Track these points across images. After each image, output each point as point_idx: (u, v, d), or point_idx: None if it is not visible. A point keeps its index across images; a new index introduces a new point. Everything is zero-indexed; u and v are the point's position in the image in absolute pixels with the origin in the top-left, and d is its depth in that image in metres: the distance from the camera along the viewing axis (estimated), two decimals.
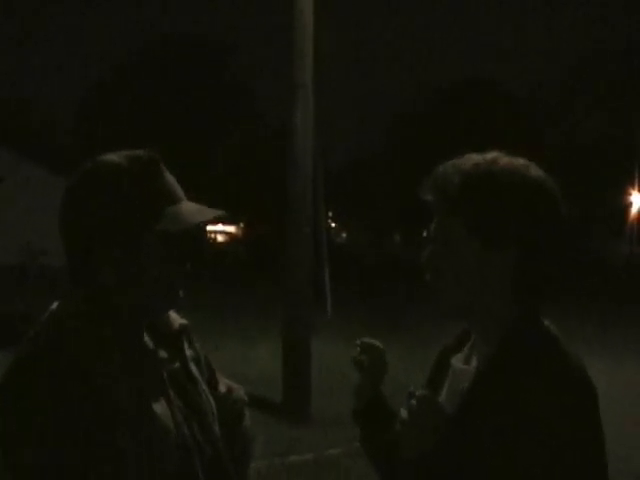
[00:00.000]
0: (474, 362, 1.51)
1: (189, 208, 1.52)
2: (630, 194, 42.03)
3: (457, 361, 1.57)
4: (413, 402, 1.41)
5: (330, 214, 45.43)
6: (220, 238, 57.85)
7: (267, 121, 45.43)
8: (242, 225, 55.77)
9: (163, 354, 1.59)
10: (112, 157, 1.50)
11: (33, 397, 1.34)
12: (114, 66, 45.17)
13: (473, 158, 1.46)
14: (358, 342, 1.83)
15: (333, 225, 62.17)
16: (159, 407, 1.50)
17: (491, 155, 1.46)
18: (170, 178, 1.53)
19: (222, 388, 1.75)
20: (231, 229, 58.59)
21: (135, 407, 1.43)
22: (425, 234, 1.51)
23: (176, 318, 1.67)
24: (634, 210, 42.30)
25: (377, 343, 1.84)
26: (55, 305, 1.51)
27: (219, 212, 1.53)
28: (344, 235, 69.12)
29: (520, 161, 1.45)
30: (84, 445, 1.33)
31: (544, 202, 1.41)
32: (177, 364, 1.61)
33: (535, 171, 1.44)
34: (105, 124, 41.13)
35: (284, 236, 7.99)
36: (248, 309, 15.66)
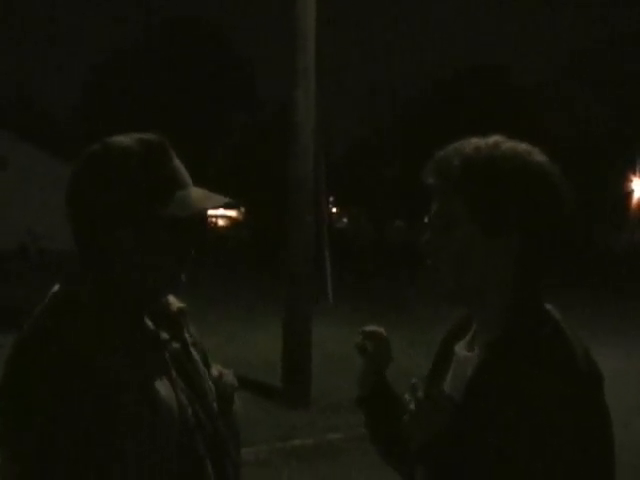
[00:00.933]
0: (477, 349, 1.50)
1: (197, 194, 1.52)
2: (631, 181, 41.98)
3: (460, 348, 1.56)
4: (421, 395, 1.39)
5: (331, 199, 45.39)
6: (221, 222, 57.85)
7: (269, 105, 45.31)
8: (243, 209, 55.74)
9: (164, 335, 1.60)
10: (121, 139, 1.49)
11: (32, 396, 1.33)
12: (114, 51, 45.00)
13: (475, 142, 1.44)
14: (360, 330, 1.81)
15: (334, 210, 62.12)
16: (162, 388, 1.51)
17: (493, 139, 1.44)
18: (178, 163, 1.53)
19: (214, 372, 1.75)
20: (232, 213, 58.57)
21: (137, 394, 1.43)
22: (426, 219, 1.50)
23: (174, 301, 1.67)
24: (635, 198, 42.26)
25: (380, 330, 1.82)
26: (56, 288, 1.50)
27: (227, 199, 1.54)
28: (345, 220, 69.04)
29: (523, 146, 1.44)
30: (83, 444, 1.33)
31: (546, 188, 1.40)
32: (178, 345, 1.62)
33: (538, 156, 1.43)
34: (105, 109, 41.02)
35: (285, 221, 7.98)
36: (250, 293, 15.67)
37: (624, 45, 40.63)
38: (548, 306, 1.46)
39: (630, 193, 42.44)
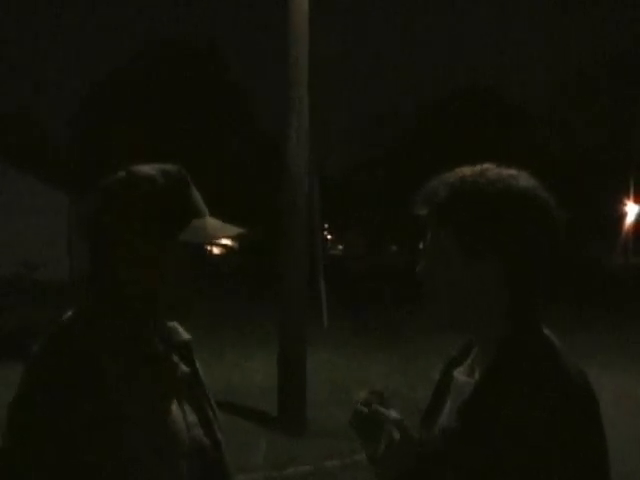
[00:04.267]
0: (477, 374, 1.50)
1: (213, 223, 1.60)
2: (625, 204, 42.13)
3: (460, 373, 1.56)
4: (396, 437, 1.41)
5: (326, 226, 45.46)
6: (216, 250, 57.76)
7: (262, 129, 45.48)
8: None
9: (175, 359, 1.66)
10: (144, 168, 1.59)
11: (41, 408, 1.40)
12: (109, 73, 45.17)
13: (461, 171, 1.47)
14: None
15: (329, 237, 62.20)
16: (172, 409, 1.57)
17: (480, 167, 1.46)
18: (196, 193, 1.62)
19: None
20: (227, 241, 58.48)
21: (145, 411, 1.49)
22: (421, 246, 1.52)
23: (183, 332, 1.75)
24: (629, 220, 42.40)
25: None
26: (69, 313, 1.57)
27: (239, 229, 1.63)
28: (340, 247, 69.12)
29: (509, 172, 1.45)
30: (86, 453, 1.38)
31: (532, 212, 1.41)
32: (187, 370, 1.68)
33: (524, 181, 1.44)
34: (99, 135, 41.12)
35: (280, 248, 8.00)
36: (244, 320, 15.65)
37: (617, 65, 40.94)
38: (546, 331, 1.46)
39: (623, 216, 42.57)
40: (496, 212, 1.39)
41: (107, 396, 1.42)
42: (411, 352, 11.54)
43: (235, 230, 1.63)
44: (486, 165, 1.47)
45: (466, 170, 1.47)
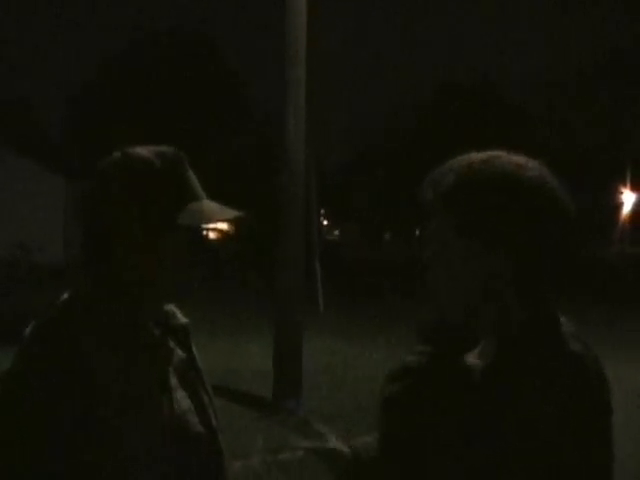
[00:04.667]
0: (482, 362, 1.45)
1: (210, 206, 1.57)
2: (622, 193, 42.13)
3: (473, 358, 1.50)
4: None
5: (322, 211, 45.45)
6: (212, 235, 57.73)
7: (261, 116, 45.35)
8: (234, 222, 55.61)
9: (171, 344, 1.64)
10: (141, 150, 1.55)
11: (22, 402, 1.38)
12: (104, 62, 44.98)
13: (469, 157, 1.43)
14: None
15: (325, 223, 62.15)
16: (167, 395, 1.56)
17: (488, 154, 1.42)
18: (193, 176, 1.58)
19: None
20: (223, 226, 58.44)
21: (139, 398, 1.47)
22: (418, 233, 1.49)
23: (181, 316, 1.73)
24: (625, 209, 42.42)
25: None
26: (65, 296, 1.54)
27: (238, 212, 1.60)
28: (336, 233, 69.14)
29: (517, 159, 1.41)
30: (69, 444, 1.37)
31: (539, 201, 1.36)
32: (183, 355, 1.67)
33: (533, 169, 1.39)
34: (94, 121, 41.01)
35: (276, 233, 8.00)
36: (241, 305, 15.66)
37: (617, 65, 40.84)
38: (562, 319, 1.42)
39: (620, 205, 42.59)
40: (502, 201, 1.36)
41: (96, 382, 1.40)
42: (408, 337, 11.55)
43: (233, 213, 1.59)
44: (495, 152, 1.43)
45: (474, 156, 1.43)
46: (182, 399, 1.59)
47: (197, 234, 1.58)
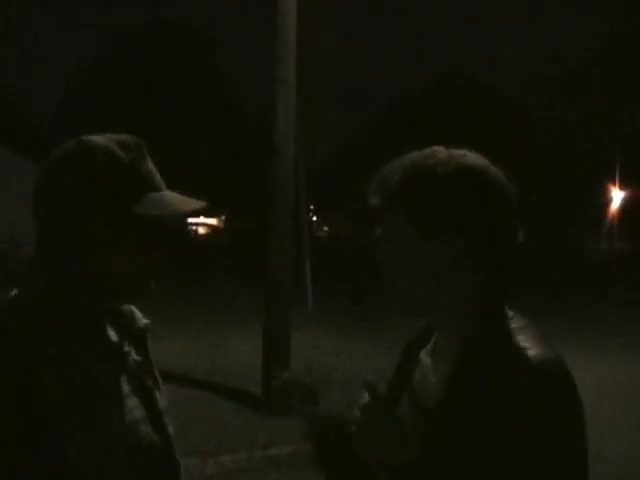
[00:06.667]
0: (438, 358, 1.50)
1: (172, 197, 1.49)
2: (610, 190, 42.27)
3: (425, 355, 1.56)
4: (367, 400, 1.41)
5: (312, 208, 45.45)
6: (202, 230, 57.71)
7: (250, 112, 45.30)
8: (224, 217, 55.62)
9: (127, 348, 1.56)
10: (96, 138, 1.47)
11: None
12: (93, 56, 44.94)
13: (411, 156, 1.48)
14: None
15: (315, 219, 62.14)
16: (119, 403, 1.47)
17: (430, 150, 1.47)
18: (152, 166, 1.50)
19: None
20: (213, 221, 58.45)
21: (90, 405, 1.39)
22: (377, 232, 1.51)
23: (140, 317, 1.64)
24: (614, 206, 42.55)
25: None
26: (13, 293, 1.47)
27: (202, 203, 1.50)
28: (326, 229, 69.10)
29: (458, 152, 1.46)
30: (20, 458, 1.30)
31: (482, 187, 1.40)
32: (139, 359, 1.58)
33: (472, 159, 1.44)
34: (86, 114, 40.87)
35: (265, 229, 7.99)
36: (229, 300, 15.63)
37: (607, 54, 40.96)
38: (511, 312, 1.45)
39: (609, 202, 42.73)
40: (448, 190, 1.40)
41: (39, 389, 1.31)
42: (396, 334, 11.57)
43: (198, 204, 1.49)
44: (436, 147, 1.48)
45: (416, 154, 1.48)
46: (135, 407, 1.50)
47: (157, 226, 1.48)
